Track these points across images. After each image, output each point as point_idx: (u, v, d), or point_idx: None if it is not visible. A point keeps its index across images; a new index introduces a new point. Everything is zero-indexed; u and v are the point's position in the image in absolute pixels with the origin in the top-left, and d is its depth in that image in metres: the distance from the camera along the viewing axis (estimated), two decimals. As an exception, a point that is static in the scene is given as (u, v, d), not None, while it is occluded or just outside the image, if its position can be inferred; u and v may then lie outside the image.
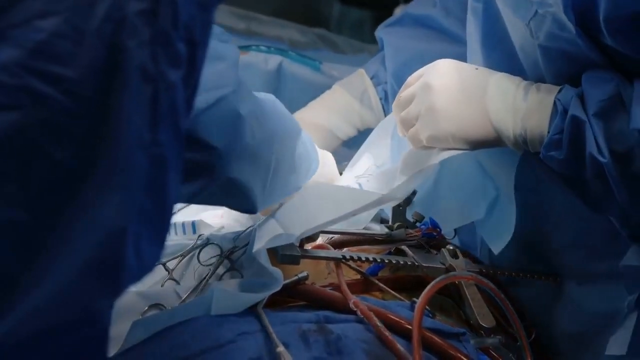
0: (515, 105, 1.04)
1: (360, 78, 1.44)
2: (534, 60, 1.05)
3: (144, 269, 0.58)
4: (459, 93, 1.07)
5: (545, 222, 1.17)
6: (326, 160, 1.23)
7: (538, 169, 1.11)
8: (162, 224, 0.59)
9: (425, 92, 1.08)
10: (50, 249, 0.52)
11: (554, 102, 1.01)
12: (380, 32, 1.45)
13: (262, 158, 0.95)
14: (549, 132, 1.00)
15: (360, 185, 1.23)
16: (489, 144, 1.07)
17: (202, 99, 0.84)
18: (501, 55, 1.10)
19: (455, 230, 1.21)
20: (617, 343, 1.04)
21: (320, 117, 1.41)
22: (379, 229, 1.15)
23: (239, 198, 0.94)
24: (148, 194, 0.55)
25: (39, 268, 0.52)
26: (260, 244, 0.92)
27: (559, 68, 1.03)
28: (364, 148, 1.29)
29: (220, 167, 0.89)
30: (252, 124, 0.91)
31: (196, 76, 0.58)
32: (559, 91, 1.02)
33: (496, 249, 1.10)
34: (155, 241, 0.58)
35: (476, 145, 1.07)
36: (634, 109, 0.94)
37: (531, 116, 1.02)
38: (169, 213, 0.59)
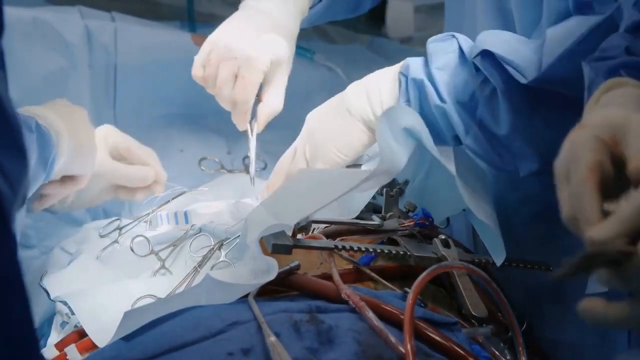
0: (367, 91, 1.10)
1: None
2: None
3: (16, 185, 0.56)
4: (328, 115, 1.14)
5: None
6: None
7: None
8: (10, 132, 0.56)
9: (303, 137, 1.17)
10: None
11: (398, 74, 1.08)
12: None
13: None
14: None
15: None
16: (369, 139, 1.13)
17: None
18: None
19: (448, 219, 1.21)
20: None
21: None
22: (371, 218, 1.15)
23: None
24: None
25: None
26: (254, 234, 0.92)
27: None
28: None
29: None
30: None
31: None
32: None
33: (498, 260, 1.09)
34: (12, 152, 0.56)
35: (361, 148, 1.14)
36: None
37: (382, 92, 1.09)
38: (12, 118, 0.57)
